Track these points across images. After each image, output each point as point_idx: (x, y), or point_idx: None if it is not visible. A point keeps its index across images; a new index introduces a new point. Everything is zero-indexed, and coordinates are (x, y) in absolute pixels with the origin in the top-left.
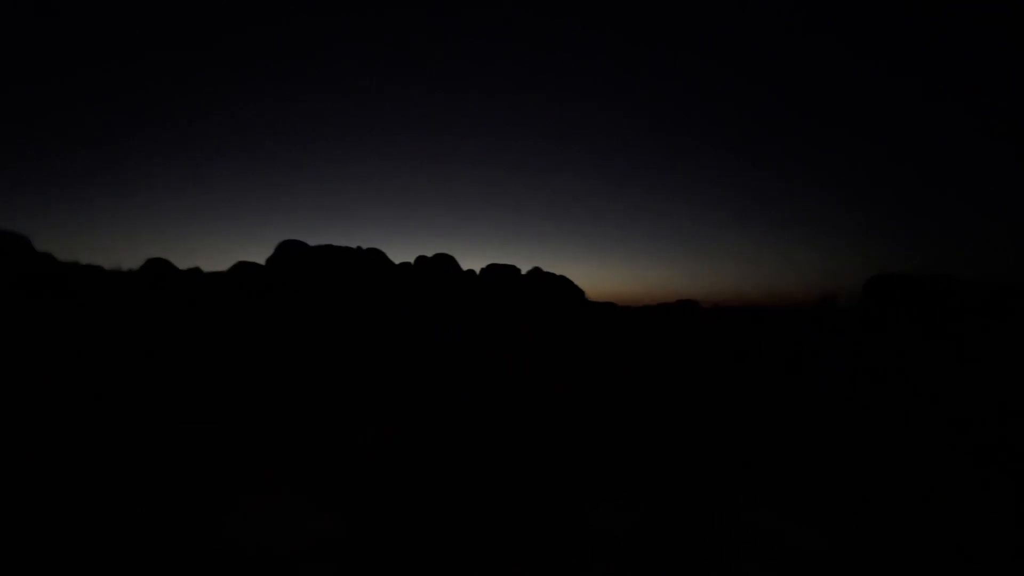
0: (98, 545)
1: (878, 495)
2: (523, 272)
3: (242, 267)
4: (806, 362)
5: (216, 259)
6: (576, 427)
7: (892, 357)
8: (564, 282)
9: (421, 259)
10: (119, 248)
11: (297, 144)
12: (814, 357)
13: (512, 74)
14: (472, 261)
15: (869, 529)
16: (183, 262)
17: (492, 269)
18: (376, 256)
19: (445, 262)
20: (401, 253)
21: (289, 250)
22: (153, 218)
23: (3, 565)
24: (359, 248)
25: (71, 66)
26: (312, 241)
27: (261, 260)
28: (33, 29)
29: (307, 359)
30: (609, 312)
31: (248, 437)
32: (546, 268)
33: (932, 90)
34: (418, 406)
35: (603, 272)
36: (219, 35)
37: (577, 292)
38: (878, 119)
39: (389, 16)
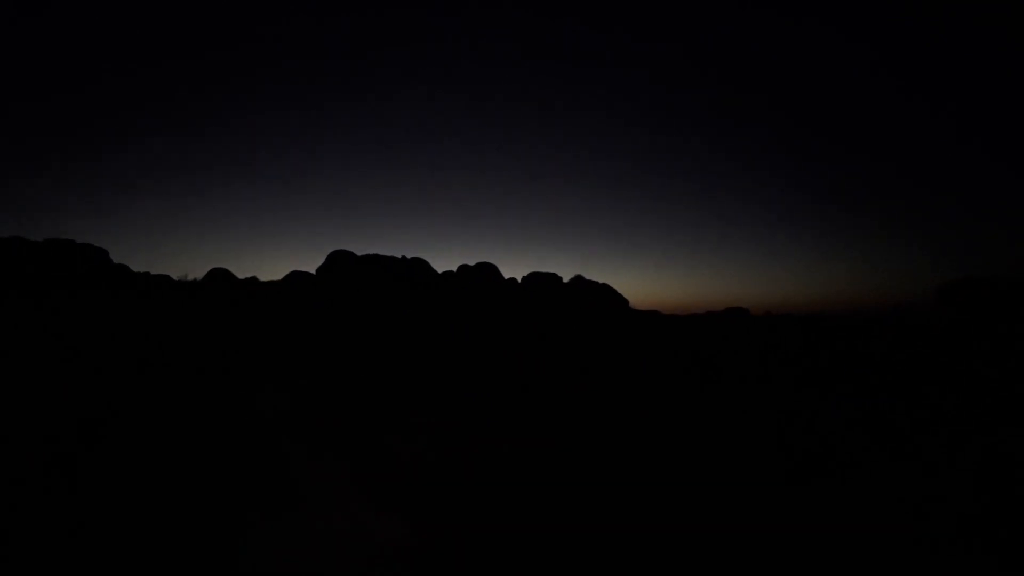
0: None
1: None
2: (565, 280)
3: (295, 276)
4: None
5: (274, 268)
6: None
7: (972, 361)
8: (606, 290)
9: (463, 268)
10: (187, 258)
11: (343, 155)
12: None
13: (570, 85)
14: (514, 269)
15: None
16: (242, 272)
17: (533, 277)
18: (419, 265)
19: (487, 271)
20: (445, 262)
21: (338, 259)
22: (217, 231)
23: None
24: (403, 257)
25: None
26: (360, 251)
27: (312, 269)
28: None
29: (353, 365)
30: (652, 320)
31: (304, 442)
32: (589, 276)
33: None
34: (461, 413)
35: (651, 282)
36: (299, 60)
37: (620, 300)
38: (944, 123)
39: (434, 24)
